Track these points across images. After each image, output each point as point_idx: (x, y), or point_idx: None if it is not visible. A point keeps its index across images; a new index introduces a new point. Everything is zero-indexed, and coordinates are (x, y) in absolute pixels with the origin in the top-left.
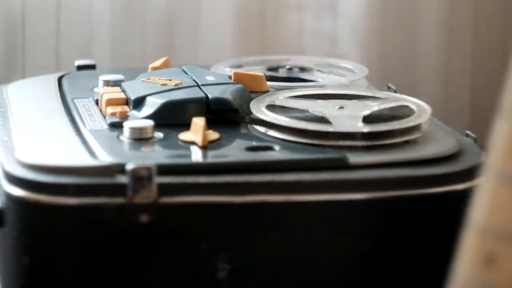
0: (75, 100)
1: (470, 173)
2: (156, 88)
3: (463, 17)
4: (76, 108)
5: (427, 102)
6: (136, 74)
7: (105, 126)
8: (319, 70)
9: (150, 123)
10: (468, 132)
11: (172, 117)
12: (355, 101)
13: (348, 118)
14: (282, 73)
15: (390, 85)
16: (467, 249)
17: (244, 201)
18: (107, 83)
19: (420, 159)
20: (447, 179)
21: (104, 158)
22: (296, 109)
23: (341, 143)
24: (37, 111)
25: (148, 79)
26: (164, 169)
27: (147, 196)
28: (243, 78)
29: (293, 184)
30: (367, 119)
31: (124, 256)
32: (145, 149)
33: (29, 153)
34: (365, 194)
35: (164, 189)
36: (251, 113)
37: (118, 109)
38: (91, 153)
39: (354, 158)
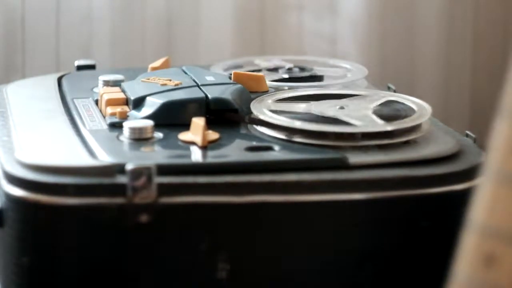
0: (75, 100)
1: (470, 173)
2: (156, 88)
3: (463, 17)
4: (76, 108)
5: (427, 102)
6: (136, 74)
7: (105, 126)
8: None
9: (150, 123)
10: (468, 132)
11: (171, 117)
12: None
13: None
14: (282, 73)
15: (390, 85)
16: (467, 249)
17: (244, 201)
18: (107, 83)
19: (420, 159)
20: (447, 179)
21: (104, 158)
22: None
23: (341, 143)
24: (37, 111)
25: (148, 79)
26: (164, 169)
27: (147, 196)
28: (243, 78)
29: (293, 184)
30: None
31: (124, 256)
32: (144, 149)
33: (29, 153)
34: (365, 194)
35: (164, 189)
36: (251, 113)
37: (118, 109)
38: (91, 153)
39: (354, 158)
